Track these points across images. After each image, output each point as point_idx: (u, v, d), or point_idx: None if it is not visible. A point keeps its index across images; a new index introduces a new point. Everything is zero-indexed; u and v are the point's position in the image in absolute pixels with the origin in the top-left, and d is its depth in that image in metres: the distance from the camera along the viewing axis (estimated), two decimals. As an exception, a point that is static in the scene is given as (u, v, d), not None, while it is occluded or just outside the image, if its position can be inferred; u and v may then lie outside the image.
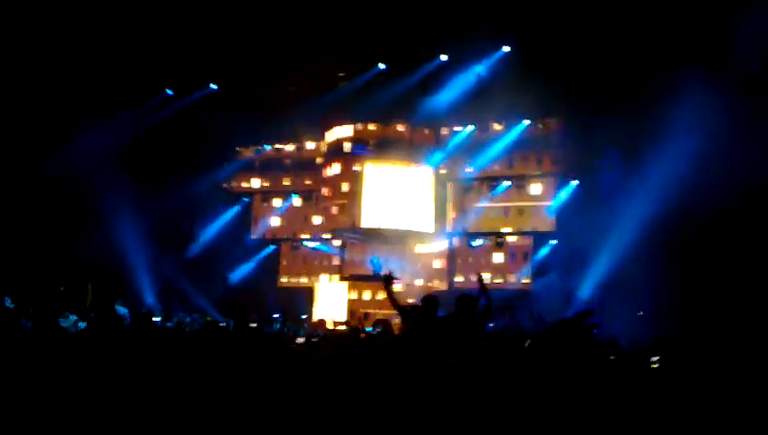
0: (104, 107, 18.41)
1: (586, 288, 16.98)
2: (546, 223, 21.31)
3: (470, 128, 22.16)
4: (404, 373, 4.72)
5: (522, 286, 21.12)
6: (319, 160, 24.29)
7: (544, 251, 20.75)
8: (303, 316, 20.24)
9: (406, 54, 19.24)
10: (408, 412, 4.37)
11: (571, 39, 15.74)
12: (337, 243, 24.28)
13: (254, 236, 25.33)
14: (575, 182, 20.35)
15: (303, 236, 24.89)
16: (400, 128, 22.78)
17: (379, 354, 5.44)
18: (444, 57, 18.97)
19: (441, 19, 16.23)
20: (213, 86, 21.11)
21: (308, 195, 24.94)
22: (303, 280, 24.69)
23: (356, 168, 22.55)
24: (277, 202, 25.47)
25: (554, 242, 20.35)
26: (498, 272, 21.94)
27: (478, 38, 16.99)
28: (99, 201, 18.65)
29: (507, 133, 21.62)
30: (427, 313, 6.82)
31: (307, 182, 24.94)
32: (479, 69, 19.12)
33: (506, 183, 22.06)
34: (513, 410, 4.18)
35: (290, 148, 25.11)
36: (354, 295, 22.52)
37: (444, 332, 5.90)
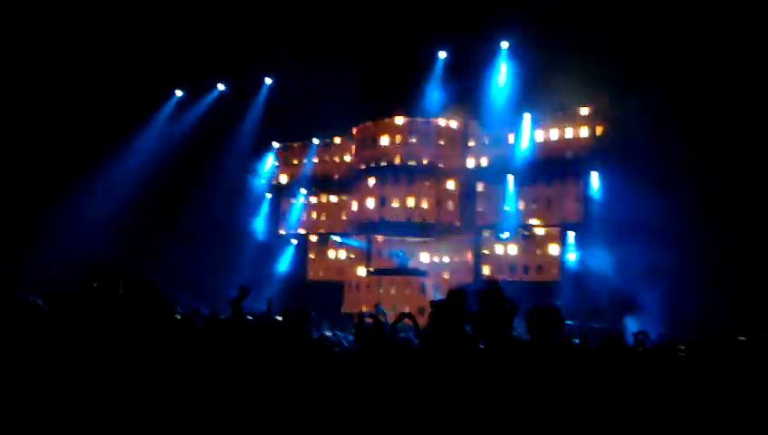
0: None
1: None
2: (574, 215, 21.06)
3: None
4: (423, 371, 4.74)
5: (551, 278, 20.94)
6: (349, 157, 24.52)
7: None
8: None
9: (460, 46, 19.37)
10: (426, 409, 4.40)
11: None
12: (363, 238, 24.38)
13: (282, 232, 25.57)
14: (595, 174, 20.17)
15: (332, 232, 25.03)
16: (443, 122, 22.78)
17: (402, 352, 5.45)
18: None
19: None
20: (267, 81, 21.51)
21: (340, 189, 25.06)
22: (332, 275, 24.84)
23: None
24: (304, 197, 25.66)
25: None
26: (527, 265, 21.79)
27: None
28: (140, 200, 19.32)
29: (535, 125, 21.50)
30: (453, 307, 6.74)
31: (335, 178, 25.09)
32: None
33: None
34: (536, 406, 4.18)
35: (317, 141, 25.29)
36: (381, 289, 22.59)
37: (471, 329, 5.82)
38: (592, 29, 15.65)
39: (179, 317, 8.30)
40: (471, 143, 23.25)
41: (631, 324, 14.65)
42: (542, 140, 21.54)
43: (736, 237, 14.83)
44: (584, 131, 20.97)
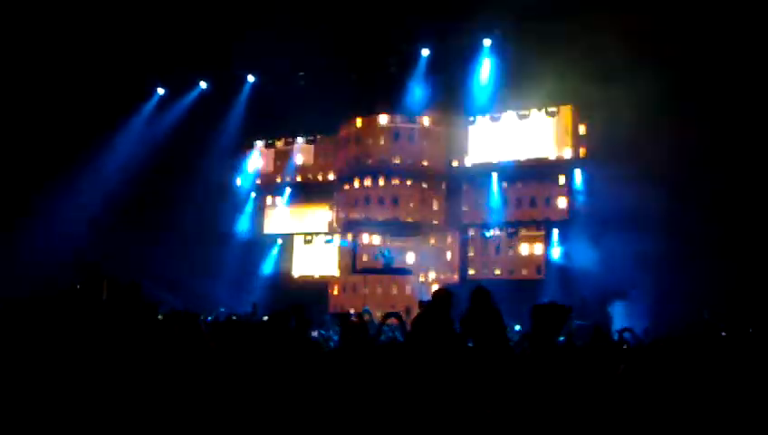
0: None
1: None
2: (558, 212, 21.14)
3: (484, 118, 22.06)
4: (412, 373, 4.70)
5: (536, 277, 21.00)
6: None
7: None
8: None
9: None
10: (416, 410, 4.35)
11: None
12: (349, 237, 24.29)
13: (266, 231, 25.42)
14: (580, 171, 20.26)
15: (317, 232, 24.92)
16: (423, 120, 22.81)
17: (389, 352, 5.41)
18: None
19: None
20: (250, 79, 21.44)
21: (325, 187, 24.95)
22: (317, 274, 24.73)
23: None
24: (290, 196, 25.50)
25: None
26: (512, 263, 21.84)
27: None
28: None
29: (521, 121, 21.55)
30: (439, 308, 6.70)
31: (319, 177, 24.99)
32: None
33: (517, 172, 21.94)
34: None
35: (301, 140, 25.18)
36: (367, 289, 22.53)
37: (463, 331, 5.77)
38: (574, 25, 15.70)
39: (161, 318, 8.18)
40: (455, 142, 23.25)
41: (618, 318, 14.74)
42: (526, 136, 21.56)
43: (723, 226, 15.01)
44: (568, 128, 21.06)
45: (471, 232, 22.73)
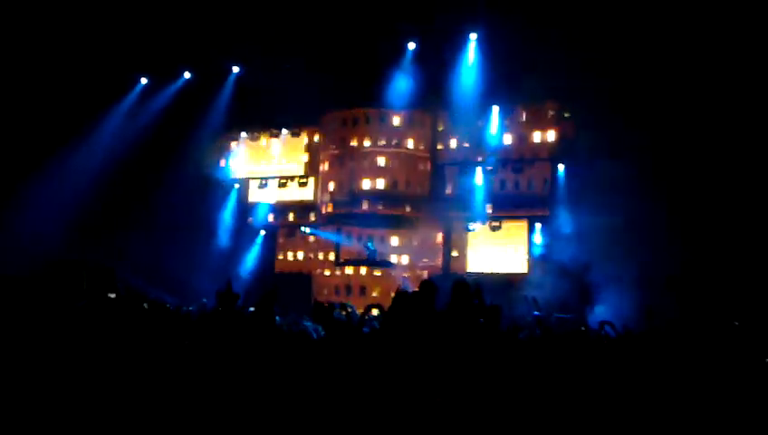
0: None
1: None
2: (542, 206, 21.26)
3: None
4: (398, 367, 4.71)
5: (518, 270, 21.12)
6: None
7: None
8: None
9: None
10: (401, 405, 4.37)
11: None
12: (333, 228, 24.28)
13: (249, 223, 25.30)
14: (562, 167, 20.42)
15: (301, 223, 24.86)
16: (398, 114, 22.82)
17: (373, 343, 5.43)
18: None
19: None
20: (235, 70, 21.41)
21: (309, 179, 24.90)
22: (300, 266, 24.69)
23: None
24: (272, 187, 25.40)
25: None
26: (494, 256, 21.95)
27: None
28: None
29: (503, 117, 21.65)
30: (424, 299, 6.70)
31: (303, 167, 24.94)
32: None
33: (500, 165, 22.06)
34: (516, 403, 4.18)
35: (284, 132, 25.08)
36: (351, 280, 22.58)
37: (443, 324, 5.79)
38: (560, 22, 15.79)
39: (146, 306, 8.13)
40: (440, 136, 23.31)
41: (600, 311, 14.88)
42: (510, 132, 21.71)
43: (701, 226, 15.29)
44: (551, 124, 21.23)
45: (455, 225, 22.80)
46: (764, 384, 4.56)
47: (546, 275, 18.57)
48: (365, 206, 22.71)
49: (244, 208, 25.36)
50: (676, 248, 15.27)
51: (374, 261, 21.95)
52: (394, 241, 23.23)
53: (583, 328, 7.96)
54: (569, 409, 4.32)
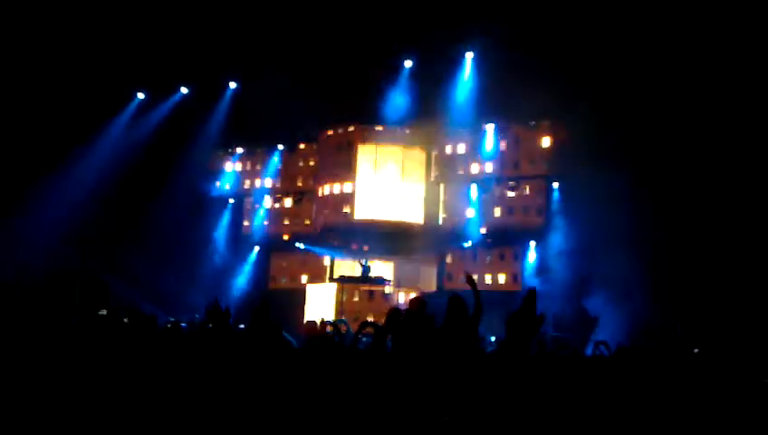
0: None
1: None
2: (535, 221, 21.30)
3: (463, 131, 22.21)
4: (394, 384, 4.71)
5: (512, 287, 21.10)
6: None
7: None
8: None
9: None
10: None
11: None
12: (327, 245, 24.26)
13: (244, 238, 25.25)
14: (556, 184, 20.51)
15: (294, 238, 24.81)
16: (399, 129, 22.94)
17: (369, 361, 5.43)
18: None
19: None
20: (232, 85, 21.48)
21: (299, 196, 24.92)
22: (294, 283, 24.60)
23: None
24: (267, 203, 25.41)
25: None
26: (489, 273, 21.96)
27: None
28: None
29: (498, 135, 21.79)
30: (418, 316, 6.70)
31: (299, 184, 24.96)
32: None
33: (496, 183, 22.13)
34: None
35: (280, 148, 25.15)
36: (344, 297, 22.47)
37: (438, 341, 5.78)
38: (555, 41, 15.96)
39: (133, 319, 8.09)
40: (435, 152, 23.41)
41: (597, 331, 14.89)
42: (505, 150, 21.82)
43: (696, 243, 15.36)
44: (546, 141, 21.33)
45: (449, 243, 22.81)
46: (761, 403, 4.57)
47: (541, 291, 18.55)
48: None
49: (239, 224, 25.35)
50: (672, 259, 15.29)
51: (368, 278, 21.90)
52: (388, 259, 23.23)
53: (578, 349, 8.00)
54: (563, 427, 4.32)
